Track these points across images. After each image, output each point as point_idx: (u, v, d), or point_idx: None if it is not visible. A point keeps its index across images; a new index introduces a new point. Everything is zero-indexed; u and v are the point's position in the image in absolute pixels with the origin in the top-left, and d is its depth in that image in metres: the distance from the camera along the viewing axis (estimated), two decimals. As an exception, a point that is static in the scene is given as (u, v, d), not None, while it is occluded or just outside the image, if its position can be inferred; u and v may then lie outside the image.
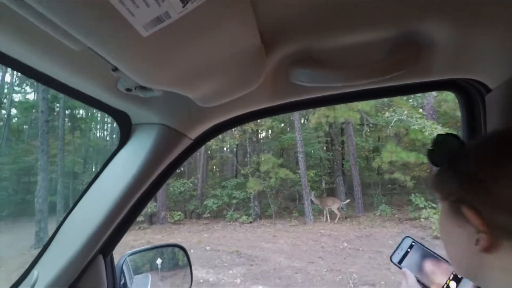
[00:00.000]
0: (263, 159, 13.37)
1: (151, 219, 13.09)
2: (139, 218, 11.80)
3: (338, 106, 10.17)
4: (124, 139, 0.79)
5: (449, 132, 0.53)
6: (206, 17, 0.36)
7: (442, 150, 0.50)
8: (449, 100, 10.55)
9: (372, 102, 10.61)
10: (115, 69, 0.45)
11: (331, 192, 14.06)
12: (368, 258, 6.98)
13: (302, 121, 13.23)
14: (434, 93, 10.27)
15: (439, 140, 0.51)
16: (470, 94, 0.77)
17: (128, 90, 0.59)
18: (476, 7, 0.47)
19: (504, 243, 0.38)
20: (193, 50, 0.41)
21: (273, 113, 0.89)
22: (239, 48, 0.46)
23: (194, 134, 0.84)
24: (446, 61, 0.62)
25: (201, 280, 6.32)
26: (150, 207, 12.23)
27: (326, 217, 10.99)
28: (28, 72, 0.53)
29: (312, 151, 14.57)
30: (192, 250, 8.16)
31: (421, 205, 9.66)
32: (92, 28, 0.33)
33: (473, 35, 0.53)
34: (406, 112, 10.01)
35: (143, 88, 0.57)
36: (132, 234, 10.34)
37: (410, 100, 12.12)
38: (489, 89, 0.70)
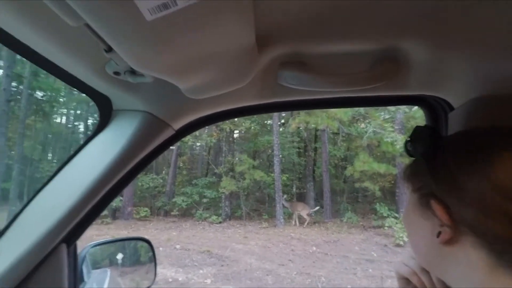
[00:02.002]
0: (238, 159, 13.33)
1: (115, 214, 12.47)
2: (102, 212, 11.20)
3: (319, 113, 10.45)
4: (102, 125, 0.77)
5: (429, 125, 0.55)
6: (209, 10, 0.37)
7: (419, 142, 0.50)
8: (416, 117, 11.29)
9: (349, 112, 11.05)
10: (109, 50, 0.45)
11: (301, 197, 14.35)
12: (336, 263, 7.21)
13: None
14: (406, 109, 10.95)
15: (418, 131, 0.52)
16: (436, 110, 0.83)
17: (116, 73, 0.58)
18: (449, 31, 0.51)
19: (465, 238, 0.40)
20: (191, 40, 0.42)
21: (258, 112, 0.91)
22: (234, 44, 0.47)
23: (178, 125, 0.83)
24: (419, 78, 0.68)
25: (170, 279, 6.14)
26: (114, 201, 11.66)
27: (296, 221, 11.17)
28: (8, 42, 0.50)
29: (286, 156, 14.78)
30: (161, 248, 7.90)
31: (385, 214, 10.21)
32: (97, 5, 0.33)
33: (444, 56, 0.58)
34: (380, 124, 10.55)
35: (132, 73, 0.56)
36: (94, 228, 9.78)
37: (382, 113, 12.79)
38: (452, 108, 0.77)
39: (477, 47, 0.55)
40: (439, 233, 0.43)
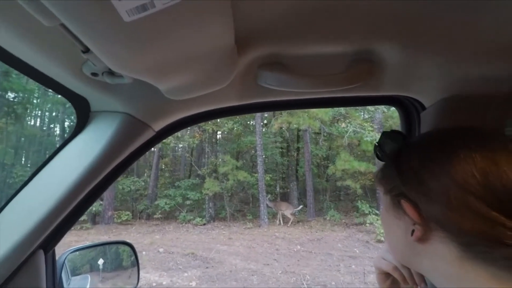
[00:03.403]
0: (221, 160, 13.26)
1: (95, 219, 12.09)
2: (81, 217, 10.83)
3: (300, 114, 10.57)
4: (80, 127, 0.75)
5: (395, 129, 0.59)
6: (187, 12, 0.37)
7: (387, 146, 0.54)
8: (394, 117, 11.67)
9: (330, 112, 11.24)
10: (86, 50, 0.45)
11: (285, 197, 14.45)
12: (320, 260, 7.32)
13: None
14: (385, 109, 11.27)
15: (385, 136, 0.55)
16: (409, 110, 0.88)
17: (94, 74, 0.57)
18: (421, 35, 0.55)
19: (435, 234, 0.43)
20: (170, 42, 0.42)
21: (238, 113, 0.92)
22: (214, 46, 0.48)
23: (158, 126, 0.83)
24: (393, 79, 0.71)
25: (154, 284, 6.02)
26: (94, 205, 11.29)
27: (280, 220, 11.26)
28: None
29: (269, 156, 14.85)
30: (144, 252, 7.73)
31: (366, 211, 10.47)
32: (73, 5, 0.32)
33: (416, 58, 0.62)
34: (360, 124, 10.82)
35: (111, 74, 0.56)
36: (73, 234, 9.45)
37: (362, 113, 13.11)
38: (424, 107, 0.81)
39: (447, 50, 0.58)
40: (412, 232, 0.45)
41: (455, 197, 0.40)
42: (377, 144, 0.56)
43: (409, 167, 0.47)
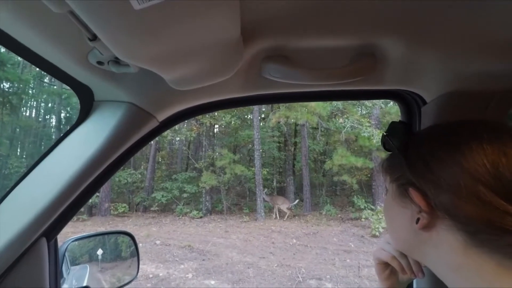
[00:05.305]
0: (218, 153, 13.26)
1: (91, 211, 12.12)
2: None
3: (298, 108, 10.57)
4: (83, 116, 0.75)
5: (402, 120, 0.60)
6: (196, 2, 0.37)
7: (395, 136, 0.55)
8: (392, 113, 11.72)
9: (328, 108, 11.26)
10: (93, 38, 0.45)
11: (281, 191, 14.53)
12: (315, 254, 7.39)
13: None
14: (382, 105, 11.29)
15: (393, 127, 0.57)
16: (410, 104, 0.88)
17: (100, 63, 0.57)
18: (424, 30, 0.55)
19: (441, 222, 0.44)
20: (178, 32, 0.42)
21: (242, 104, 0.92)
22: (221, 37, 0.48)
23: (162, 116, 0.83)
24: (395, 74, 0.71)
25: (151, 275, 6.06)
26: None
27: (276, 214, 11.34)
28: None
29: (266, 150, 14.88)
30: (140, 244, 7.76)
31: (362, 207, 10.56)
32: None
33: (419, 53, 0.62)
34: (357, 119, 10.84)
35: (116, 63, 0.55)
36: (69, 225, 9.41)
37: (359, 109, 13.14)
38: (425, 102, 0.82)
39: (450, 45, 0.59)
40: (417, 220, 0.46)
41: (465, 186, 0.41)
42: (385, 133, 0.57)
43: (419, 157, 0.48)
